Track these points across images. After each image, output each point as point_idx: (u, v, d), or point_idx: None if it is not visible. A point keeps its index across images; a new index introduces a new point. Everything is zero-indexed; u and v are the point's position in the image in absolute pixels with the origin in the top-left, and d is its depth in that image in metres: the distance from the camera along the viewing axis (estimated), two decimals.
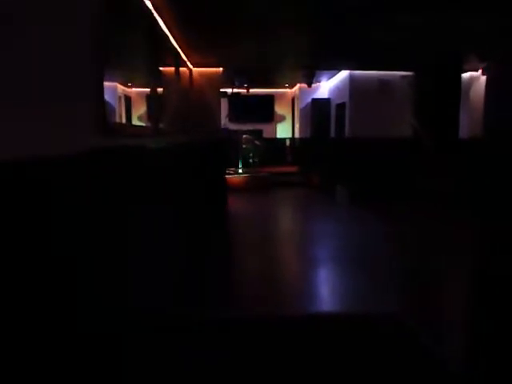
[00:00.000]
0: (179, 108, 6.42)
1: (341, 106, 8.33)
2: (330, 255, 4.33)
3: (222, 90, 10.89)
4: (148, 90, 4.09)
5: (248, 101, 11.04)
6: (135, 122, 11.17)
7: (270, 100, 11.34)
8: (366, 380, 1.88)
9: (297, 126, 10.59)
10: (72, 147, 1.50)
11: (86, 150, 1.58)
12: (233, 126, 10.81)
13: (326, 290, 3.40)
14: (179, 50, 5.47)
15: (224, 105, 11.01)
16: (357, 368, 1.97)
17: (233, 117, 11.09)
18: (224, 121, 10.44)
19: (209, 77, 6.59)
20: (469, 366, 1.62)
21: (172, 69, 6.35)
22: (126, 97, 10.60)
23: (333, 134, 9.08)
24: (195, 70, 6.53)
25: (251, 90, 10.53)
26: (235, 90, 10.69)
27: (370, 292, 3.23)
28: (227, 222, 5.93)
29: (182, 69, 6.31)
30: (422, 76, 7.33)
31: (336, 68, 7.56)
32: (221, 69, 6.63)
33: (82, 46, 1.73)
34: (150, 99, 4.05)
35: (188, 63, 6.19)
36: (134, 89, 11.00)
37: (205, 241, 4.81)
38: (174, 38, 5.01)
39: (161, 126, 4.45)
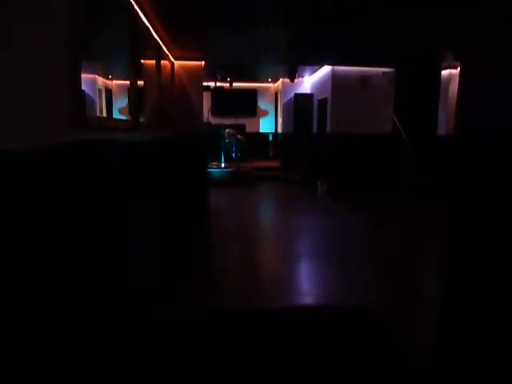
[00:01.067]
0: (160, 101, 6.36)
1: (323, 101, 8.39)
2: (308, 251, 4.39)
3: (204, 83, 10.84)
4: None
5: (231, 95, 10.99)
6: (116, 115, 11.01)
7: (253, 94, 11.32)
8: (342, 372, 1.92)
9: (280, 120, 10.62)
10: (45, 141, 1.47)
11: (59, 143, 1.56)
12: (215, 121, 10.76)
13: (305, 284, 3.45)
14: (160, 42, 5.41)
15: (207, 99, 10.94)
16: (333, 360, 2.01)
17: (215, 111, 11.04)
18: (206, 115, 10.39)
19: (191, 70, 6.54)
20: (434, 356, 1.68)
21: (153, 62, 6.27)
22: (106, 89, 10.44)
23: (315, 129, 9.14)
24: (177, 63, 6.47)
25: (234, 84, 10.50)
26: (218, 84, 10.64)
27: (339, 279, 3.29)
28: (208, 217, 5.93)
29: (163, 62, 6.24)
30: (403, 72, 7.44)
31: (318, 63, 7.60)
32: (203, 62, 6.59)
33: (57, 37, 1.70)
34: (130, 92, 4.00)
35: (170, 56, 6.13)
36: (114, 81, 10.82)
37: (185, 237, 4.80)
38: (155, 30, 4.95)
39: (141, 119, 4.41)
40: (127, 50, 4.17)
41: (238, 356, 2.05)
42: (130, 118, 4.23)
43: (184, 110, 6.57)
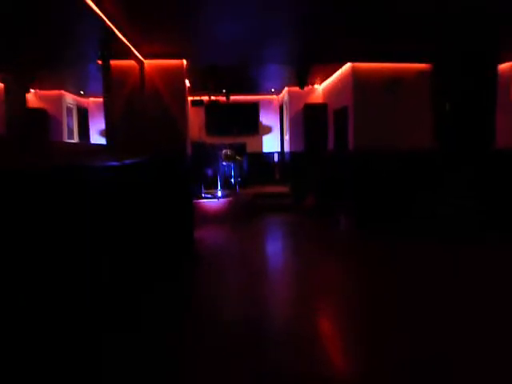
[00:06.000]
0: (127, 116, 4.69)
1: (341, 112, 6.71)
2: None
3: (197, 97, 9.25)
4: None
5: (228, 110, 9.40)
6: (96, 138, 9.35)
7: (253, 108, 9.70)
8: None
9: (286, 138, 8.94)
10: None
11: None
12: (211, 140, 9.13)
13: None
14: (116, 31, 3.75)
15: (200, 115, 9.36)
16: None
17: (211, 129, 9.42)
18: (198, 133, 8.78)
19: (168, 72, 4.88)
20: None
21: (119, 62, 4.64)
22: (79, 108, 8.83)
23: (331, 145, 7.44)
24: (148, 62, 4.82)
25: (232, 98, 8.91)
26: (213, 98, 9.06)
27: None
28: (192, 271, 4.15)
29: (125, 62, 4.60)
30: (446, 69, 5.78)
31: (335, 59, 5.90)
32: (184, 61, 4.93)
33: None
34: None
35: (136, 53, 4.48)
36: (91, 99, 9.24)
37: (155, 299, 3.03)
38: (107, 16, 3.30)
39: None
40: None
41: None
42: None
43: (161, 125, 4.89)
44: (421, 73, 5.93)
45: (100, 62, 4.06)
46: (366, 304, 3.28)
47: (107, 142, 3.62)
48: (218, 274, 4.12)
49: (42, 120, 7.34)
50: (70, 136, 8.30)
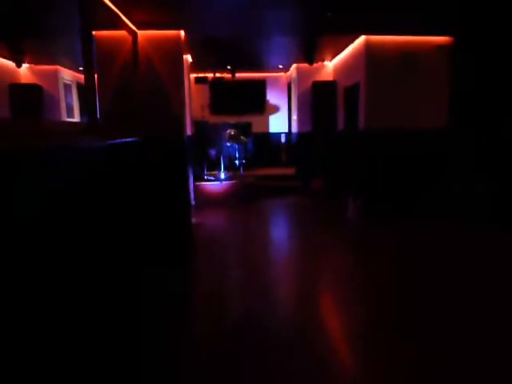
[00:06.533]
0: (118, 93, 4.36)
1: (352, 89, 6.29)
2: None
3: (201, 74, 8.85)
4: None
5: (234, 87, 8.99)
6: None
7: (260, 86, 9.25)
8: None
9: (294, 117, 8.54)
10: None
11: None
12: (215, 119, 8.76)
13: None
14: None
15: (204, 93, 8.98)
16: None
17: (215, 107, 9.03)
18: (201, 112, 8.41)
19: (164, 44, 4.51)
20: None
21: (109, 33, 4.29)
22: (80, 85, 8.50)
23: (340, 125, 7.04)
24: (142, 33, 4.44)
25: (237, 75, 8.50)
26: (218, 75, 8.65)
27: None
28: (188, 260, 3.88)
29: (119, 32, 4.24)
30: (469, 43, 5.31)
31: (347, 31, 5.44)
32: (182, 32, 4.54)
33: None
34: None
35: (128, 23, 4.11)
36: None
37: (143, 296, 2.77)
38: None
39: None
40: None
41: None
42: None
43: (156, 103, 4.55)
44: (440, 47, 5.47)
45: (96, 32, 3.71)
46: (374, 293, 2.98)
47: (89, 120, 3.30)
48: (216, 263, 3.85)
49: (37, 97, 7.03)
50: (70, 114, 7.99)
